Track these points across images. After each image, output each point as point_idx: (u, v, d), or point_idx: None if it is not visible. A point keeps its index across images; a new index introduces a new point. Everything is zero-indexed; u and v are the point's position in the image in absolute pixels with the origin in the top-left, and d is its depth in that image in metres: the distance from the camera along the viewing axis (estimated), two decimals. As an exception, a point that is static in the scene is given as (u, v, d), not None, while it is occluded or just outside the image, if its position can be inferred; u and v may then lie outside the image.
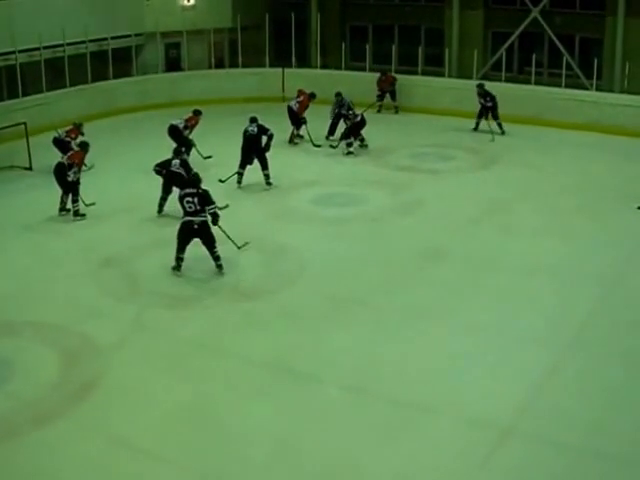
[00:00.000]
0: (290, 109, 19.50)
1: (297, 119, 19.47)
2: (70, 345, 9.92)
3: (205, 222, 11.69)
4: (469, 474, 7.65)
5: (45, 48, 21.02)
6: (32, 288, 11.63)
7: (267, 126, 16.08)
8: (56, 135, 17.10)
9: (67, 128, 17.21)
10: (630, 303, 11.11)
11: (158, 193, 14.40)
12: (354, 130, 18.51)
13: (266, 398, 8.86)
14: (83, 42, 21.97)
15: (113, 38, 22.91)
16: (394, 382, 9.13)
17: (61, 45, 21.45)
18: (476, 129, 20.50)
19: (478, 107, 20.25)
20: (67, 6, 21.63)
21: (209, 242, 11.76)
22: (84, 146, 15.10)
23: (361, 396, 8.93)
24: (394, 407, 8.70)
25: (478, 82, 20.71)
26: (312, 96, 19.55)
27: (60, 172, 14.37)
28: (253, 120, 16.25)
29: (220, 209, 12.57)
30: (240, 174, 16.21)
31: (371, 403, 8.80)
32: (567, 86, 21.06)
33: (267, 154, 16.07)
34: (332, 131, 19.48)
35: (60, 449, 7.96)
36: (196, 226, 11.63)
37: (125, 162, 17.54)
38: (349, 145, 18.43)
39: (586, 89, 21.13)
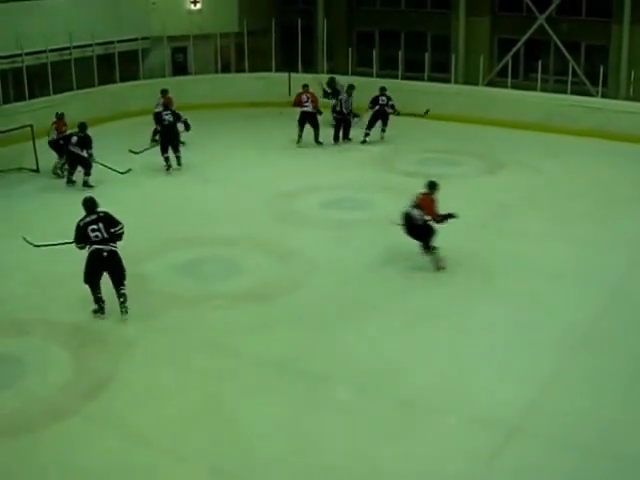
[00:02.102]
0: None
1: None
2: (81, 343, 9.95)
3: (115, 252, 10.46)
4: (477, 474, 7.66)
5: (52, 51, 21.11)
6: (43, 287, 11.64)
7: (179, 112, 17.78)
8: (50, 139, 17.21)
9: (55, 126, 17.31)
10: (636, 305, 11.14)
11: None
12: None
13: (276, 398, 8.88)
14: (90, 45, 22.08)
15: (119, 41, 23.03)
16: (402, 383, 9.15)
17: (68, 48, 21.55)
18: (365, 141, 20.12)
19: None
20: (74, 9, 21.72)
21: (118, 276, 10.55)
22: None
23: (370, 396, 8.94)
24: (402, 407, 8.72)
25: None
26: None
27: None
28: (166, 108, 17.94)
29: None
30: (167, 158, 17.45)
31: (379, 403, 8.81)
32: (573, 93, 21.14)
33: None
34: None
35: (74, 444, 8.00)
36: (105, 254, 10.36)
37: (132, 165, 17.54)
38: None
39: (592, 96, 21.21)
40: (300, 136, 19.85)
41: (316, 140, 19.88)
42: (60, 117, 17.46)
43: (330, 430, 8.28)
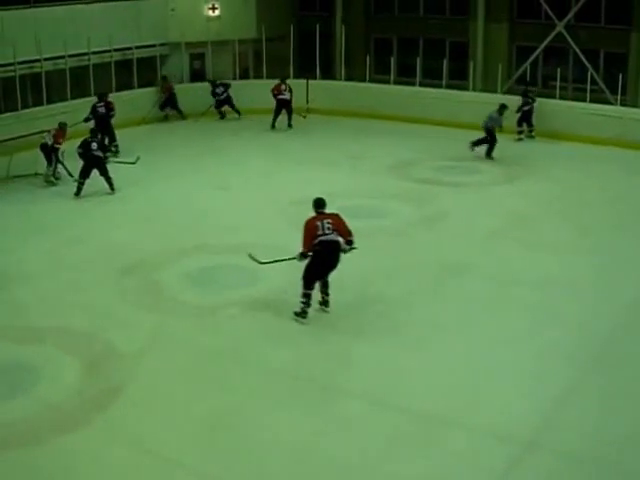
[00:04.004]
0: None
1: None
2: (93, 352, 9.93)
3: None
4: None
5: (70, 56, 21.22)
6: (55, 295, 11.66)
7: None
8: (43, 141, 17.24)
9: (53, 132, 17.29)
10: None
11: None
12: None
13: (287, 407, 8.84)
14: (108, 51, 22.16)
15: (138, 47, 23.08)
16: (415, 394, 9.07)
17: (86, 54, 21.64)
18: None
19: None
20: (92, 15, 21.80)
21: None
22: None
23: (382, 407, 8.87)
24: (414, 419, 8.64)
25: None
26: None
27: None
28: (101, 98, 19.71)
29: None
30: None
31: (391, 414, 8.74)
32: (592, 101, 20.94)
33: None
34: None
35: (83, 455, 7.96)
36: None
37: (148, 171, 17.58)
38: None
39: (611, 104, 21.00)
40: (275, 121, 22.08)
41: (289, 124, 22.20)
42: (62, 127, 17.35)
43: (339, 441, 8.22)
